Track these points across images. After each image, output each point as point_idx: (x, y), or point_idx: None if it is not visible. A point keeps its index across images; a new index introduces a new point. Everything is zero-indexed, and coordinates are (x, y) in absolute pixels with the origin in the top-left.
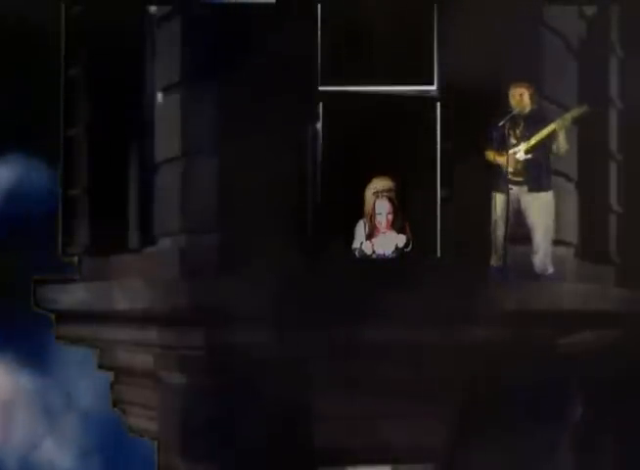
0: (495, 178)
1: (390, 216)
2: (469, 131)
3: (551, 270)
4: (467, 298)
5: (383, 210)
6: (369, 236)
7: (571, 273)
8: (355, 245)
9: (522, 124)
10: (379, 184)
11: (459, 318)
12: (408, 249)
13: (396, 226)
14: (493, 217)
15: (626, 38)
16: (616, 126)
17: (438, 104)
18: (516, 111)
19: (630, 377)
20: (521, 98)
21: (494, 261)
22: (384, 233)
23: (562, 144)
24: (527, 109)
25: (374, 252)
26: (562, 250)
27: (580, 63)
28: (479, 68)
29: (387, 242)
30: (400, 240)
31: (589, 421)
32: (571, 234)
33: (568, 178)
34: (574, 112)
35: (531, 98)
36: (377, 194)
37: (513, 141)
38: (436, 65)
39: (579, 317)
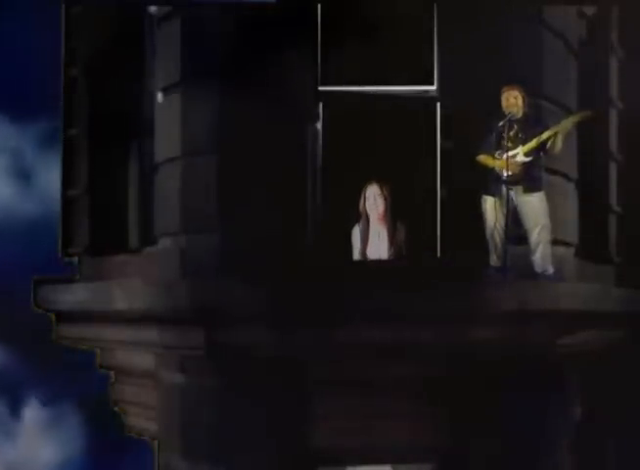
0: (489, 182)
1: (381, 200)
2: (469, 131)
3: (551, 270)
4: (467, 298)
5: (371, 193)
6: (364, 235)
7: (570, 273)
8: (354, 255)
9: (515, 128)
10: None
11: (459, 318)
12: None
13: (388, 219)
14: (490, 220)
15: (626, 38)
16: (616, 126)
17: (438, 104)
18: (511, 114)
19: (630, 377)
20: (515, 101)
21: (494, 261)
22: (377, 231)
23: (558, 145)
24: (521, 112)
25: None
26: (562, 250)
27: (580, 63)
28: (478, 67)
29: (379, 245)
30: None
31: (589, 421)
32: (572, 234)
33: (568, 178)
34: (576, 116)
35: (524, 101)
36: (369, 181)
37: (508, 144)
38: (436, 65)
39: (579, 317)
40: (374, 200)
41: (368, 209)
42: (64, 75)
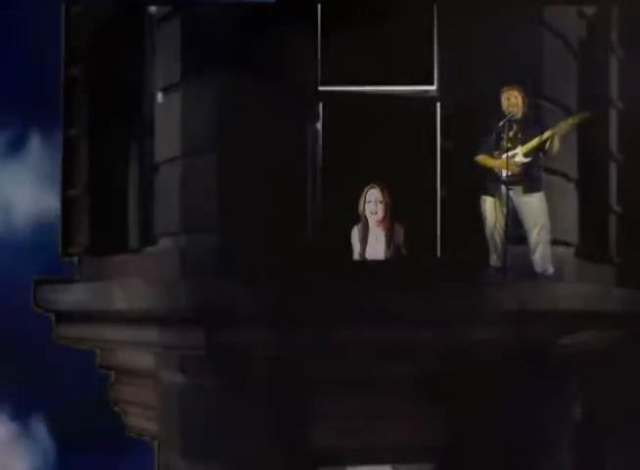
0: (489, 182)
1: (381, 206)
2: (469, 131)
3: (551, 270)
4: (467, 298)
5: (372, 197)
6: (363, 238)
7: (570, 273)
8: (354, 256)
9: (515, 128)
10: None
11: (459, 318)
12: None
13: (386, 224)
14: (490, 220)
15: (626, 38)
16: (616, 126)
17: (438, 104)
18: (511, 114)
19: (630, 377)
20: (515, 101)
21: (494, 261)
22: (375, 234)
23: (556, 146)
24: (520, 112)
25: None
26: (562, 250)
27: (580, 63)
28: (478, 67)
29: (376, 247)
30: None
31: (589, 421)
32: (572, 234)
33: (568, 178)
34: (575, 118)
35: (524, 101)
36: (369, 186)
37: (507, 145)
38: (436, 65)
39: (579, 317)
40: (375, 205)
41: (368, 212)
42: (64, 75)
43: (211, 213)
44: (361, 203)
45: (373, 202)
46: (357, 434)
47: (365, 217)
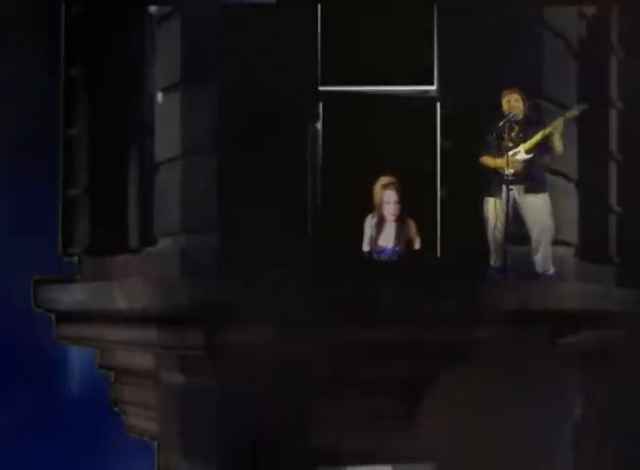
0: (492, 182)
1: (397, 207)
2: (469, 131)
3: (552, 270)
4: (467, 298)
5: (391, 198)
6: (378, 226)
7: (570, 273)
8: (364, 241)
9: (516, 129)
10: (386, 178)
11: (459, 318)
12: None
13: (401, 218)
14: (491, 221)
15: (626, 38)
16: (616, 126)
17: (438, 104)
18: (511, 115)
19: (630, 377)
20: (516, 104)
21: (494, 261)
22: (389, 226)
23: (557, 144)
24: (521, 114)
25: (377, 246)
26: (562, 250)
27: (580, 63)
28: (478, 68)
29: (389, 235)
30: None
31: (589, 421)
32: (572, 234)
33: (568, 178)
34: (573, 111)
35: (524, 103)
36: (385, 186)
37: (509, 144)
38: (436, 65)
39: (579, 317)
40: (394, 206)
41: (386, 212)
42: (64, 75)
43: (211, 214)
44: (377, 197)
45: (392, 203)
46: (357, 434)
47: (382, 213)
